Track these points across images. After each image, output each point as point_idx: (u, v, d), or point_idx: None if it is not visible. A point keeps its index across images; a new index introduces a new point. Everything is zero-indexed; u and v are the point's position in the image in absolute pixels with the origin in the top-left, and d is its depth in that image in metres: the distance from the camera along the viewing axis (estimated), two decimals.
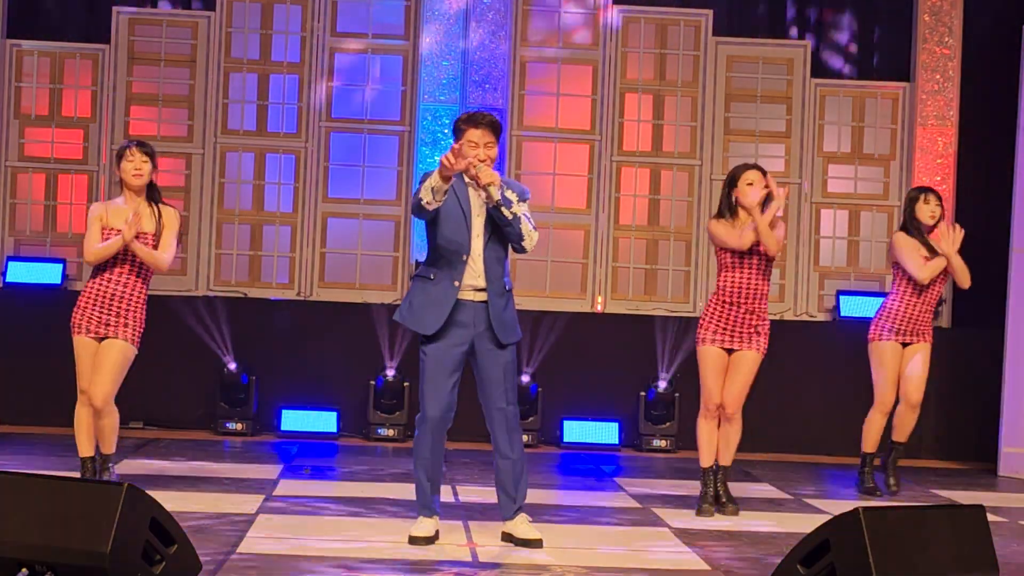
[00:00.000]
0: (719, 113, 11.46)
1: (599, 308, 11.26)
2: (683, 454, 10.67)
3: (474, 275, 6.26)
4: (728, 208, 7.57)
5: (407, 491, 7.98)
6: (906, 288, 8.58)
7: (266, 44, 11.32)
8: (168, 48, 11.26)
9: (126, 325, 7.22)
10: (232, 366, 10.55)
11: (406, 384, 10.63)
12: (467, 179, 6.30)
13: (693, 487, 8.85)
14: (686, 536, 6.84)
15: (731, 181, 7.58)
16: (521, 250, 6.30)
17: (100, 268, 7.24)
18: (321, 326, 10.92)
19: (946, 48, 11.32)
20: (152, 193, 7.30)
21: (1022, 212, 10.17)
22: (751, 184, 7.49)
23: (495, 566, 5.89)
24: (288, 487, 8.08)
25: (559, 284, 11.29)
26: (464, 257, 6.25)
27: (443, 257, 6.28)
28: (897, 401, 8.72)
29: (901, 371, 8.64)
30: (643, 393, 10.77)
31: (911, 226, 8.63)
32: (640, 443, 10.76)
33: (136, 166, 7.21)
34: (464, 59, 11.17)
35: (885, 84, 11.52)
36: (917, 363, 8.60)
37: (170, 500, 7.04)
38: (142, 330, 7.31)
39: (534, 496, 7.00)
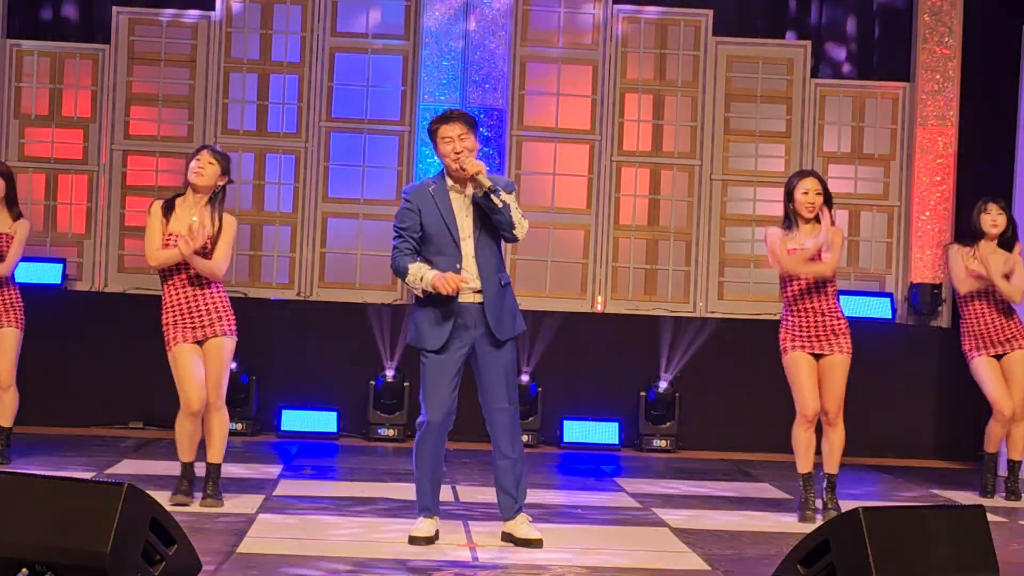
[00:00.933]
0: (719, 113, 11.46)
1: (599, 308, 11.26)
2: (683, 454, 10.67)
3: (470, 278, 6.26)
4: (788, 219, 7.51)
5: (407, 491, 7.98)
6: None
7: (266, 44, 11.32)
8: (168, 48, 11.26)
9: (220, 319, 7.18)
10: (233, 366, 10.53)
11: (406, 384, 10.64)
12: (450, 181, 6.30)
13: (694, 487, 8.85)
14: (686, 536, 6.84)
15: (788, 193, 7.51)
16: (513, 239, 6.30)
17: (170, 276, 7.17)
18: (321, 326, 10.92)
19: (946, 48, 11.32)
20: (214, 198, 7.25)
21: (1022, 212, 10.17)
22: (806, 193, 7.44)
23: (495, 566, 5.89)
24: (288, 487, 8.08)
25: (559, 284, 11.28)
26: (457, 267, 6.26)
27: (439, 270, 6.27)
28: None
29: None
30: (643, 393, 10.77)
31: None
32: (640, 443, 10.76)
33: (201, 164, 7.17)
34: (464, 59, 11.17)
35: (885, 84, 11.52)
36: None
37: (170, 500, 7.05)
38: (234, 318, 7.26)
39: (534, 496, 7.00)
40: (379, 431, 10.64)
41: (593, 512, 7.66)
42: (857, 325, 10.99)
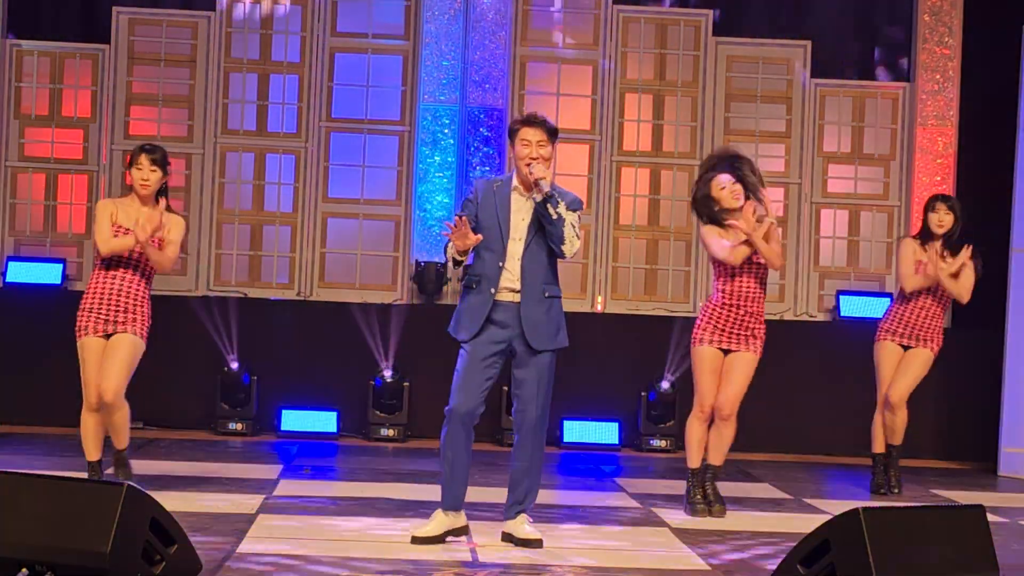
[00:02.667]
0: (719, 113, 11.46)
1: (599, 308, 11.26)
2: (683, 454, 10.65)
3: (511, 279, 6.30)
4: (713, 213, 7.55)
5: (407, 491, 7.99)
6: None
7: (266, 44, 11.32)
8: (168, 48, 11.27)
9: (134, 320, 7.21)
10: (234, 366, 10.56)
11: (406, 384, 10.64)
12: (515, 181, 6.32)
13: None
14: (686, 536, 6.84)
15: (705, 185, 7.52)
16: (560, 254, 6.36)
17: (102, 268, 7.22)
18: (321, 326, 10.92)
19: (946, 48, 11.32)
20: (161, 199, 7.29)
21: (1022, 212, 10.17)
22: (723, 188, 7.45)
23: (495, 566, 5.89)
24: (288, 487, 8.08)
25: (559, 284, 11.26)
26: (500, 264, 6.30)
27: (482, 264, 6.34)
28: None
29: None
30: (644, 393, 10.77)
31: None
32: (640, 443, 10.76)
33: (144, 176, 7.19)
34: (464, 59, 11.17)
35: (885, 84, 11.52)
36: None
37: (170, 500, 7.04)
38: (149, 324, 7.30)
39: None
40: (379, 431, 10.64)
41: (593, 512, 7.66)
42: (857, 325, 11.04)
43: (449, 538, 6.42)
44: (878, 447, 8.83)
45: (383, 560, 5.93)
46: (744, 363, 7.52)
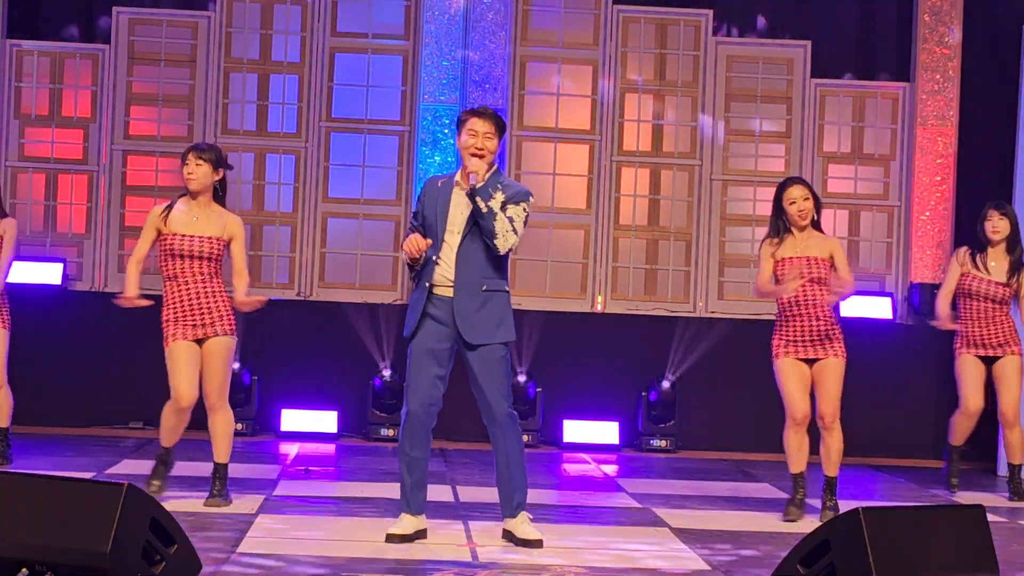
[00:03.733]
0: (719, 113, 11.46)
1: (599, 308, 11.26)
2: (683, 454, 10.68)
3: (447, 270, 6.29)
4: (776, 229, 7.51)
5: None
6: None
7: (266, 44, 11.32)
8: (168, 48, 11.26)
9: (221, 319, 7.20)
10: (234, 366, 10.54)
11: (405, 384, 10.62)
12: (459, 176, 6.33)
13: (694, 487, 8.86)
14: (686, 536, 6.84)
15: (777, 200, 7.50)
16: (495, 248, 6.27)
17: (172, 275, 7.19)
18: (321, 326, 10.92)
19: (946, 48, 11.32)
20: (216, 196, 7.29)
21: (1022, 212, 10.17)
22: (793, 203, 7.44)
23: (495, 566, 5.89)
24: (288, 487, 8.08)
25: (559, 284, 11.28)
26: (435, 257, 6.28)
27: (425, 259, 6.32)
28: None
29: None
30: (644, 393, 10.77)
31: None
32: (640, 443, 10.76)
33: (190, 169, 7.21)
34: (464, 59, 11.17)
35: (885, 84, 11.52)
36: None
37: (170, 500, 7.05)
38: (234, 319, 7.28)
39: (534, 496, 6.99)
40: (379, 431, 10.64)
41: (593, 512, 7.66)
42: (857, 325, 11.04)
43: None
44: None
45: (383, 560, 5.93)
46: (832, 369, 7.47)
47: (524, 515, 6.42)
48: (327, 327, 10.91)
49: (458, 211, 6.30)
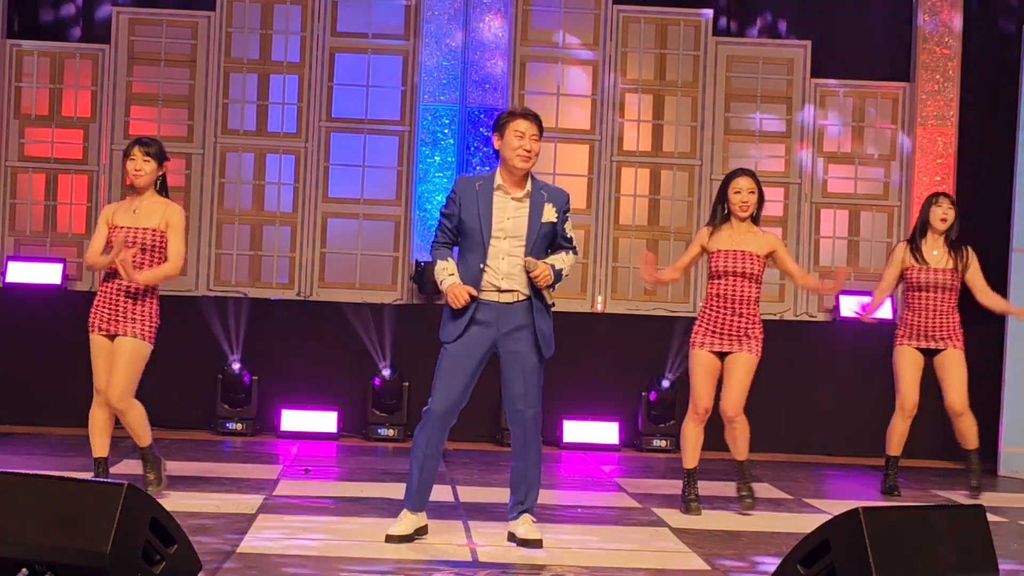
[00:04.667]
0: (719, 113, 11.46)
1: (599, 308, 11.26)
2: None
3: (496, 277, 6.26)
4: (717, 216, 7.65)
5: None
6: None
7: (266, 44, 11.33)
8: (168, 48, 11.27)
9: (134, 321, 7.20)
10: (234, 366, 10.56)
11: (405, 384, 10.64)
12: (498, 179, 6.28)
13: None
14: (686, 536, 6.84)
15: (723, 188, 7.63)
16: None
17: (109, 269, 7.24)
18: (321, 326, 10.92)
19: (946, 48, 11.32)
20: (161, 190, 7.33)
21: (1022, 212, 10.17)
22: (738, 192, 7.51)
23: (495, 566, 5.89)
24: (288, 487, 8.08)
25: (559, 284, 11.26)
26: (481, 265, 6.25)
27: (464, 265, 6.33)
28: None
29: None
30: (644, 393, 10.77)
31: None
32: (640, 443, 10.76)
33: (137, 166, 7.25)
34: (464, 59, 11.17)
35: (885, 84, 11.52)
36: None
37: (170, 500, 7.05)
38: (156, 325, 7.28)
39: None
40: (379, 431, 10.64)
41: (593, 512, 7.66)
42: (857, 325, 11.03)
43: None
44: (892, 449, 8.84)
45: (383, 560, 5.93)
46: (741, 364, 7.52)
47: (528, 516, 6.43)
48: (327, 327, 10.90)
49: (503, 215, 6.25)
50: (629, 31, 11.43)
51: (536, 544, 6.31)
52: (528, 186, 6.30)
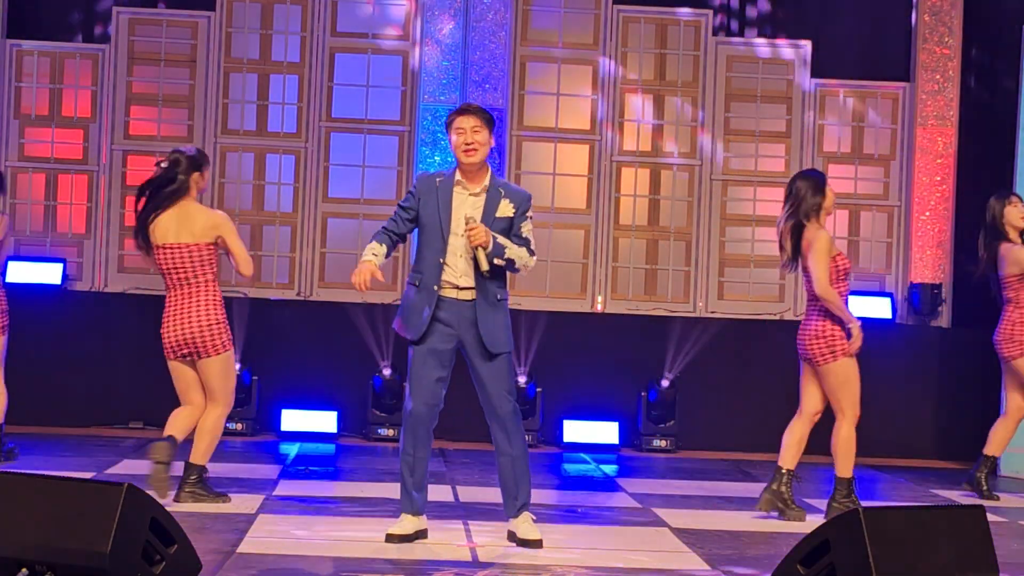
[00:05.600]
0: (719, 113, 11.46)
1: (599, 308, 11.26)
2: (683, 454, 10.67)
3: (454, 275, 6.26)
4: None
5: None
6: None
7: (266, 44, 11.32)
8: (168, 48, 11.27)
9: (211, 341, 7.20)
10: (236, 366, 10.54)
11: (405, 384, 10.60)
12: (458, 175, 6.29)
13: (694, 487, 8.86)
14: (686, 536, 6.84)
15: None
16: (517, 272, 6.36)
17: (168, 288, 7.24)
18: (321, 326, 10.92)
19: (946, 48, 11.32)
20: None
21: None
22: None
23: (495, 566, 5.89)
24: (288, 487, 8.08)
25: (559, 284, 11.28)
26: (441, 260, 6.25)
27: (423, 261, 6.33)
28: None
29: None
30: (644, 393, 10.77)
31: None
32: (640, 443, 10.76)
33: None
34: (464, 59, 11.17)
35: (885, 84, 11.52)
36: None
37: (170, 500, 7.05)
38: (226, 332, 7.30)
39: (534, 496, 6.98)
40: (379, 431, 10.64)
41: (593, 512, 7.66)
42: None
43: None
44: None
45: (383, 560, 5.93)
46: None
47: (527, 515, 6.41)
48: (327, 327, 10.90)
49: (461, 212, 6.28)
50: (629, 31, 11.43)
51: (536, 544, 6.30)
52: (486, 181, 6.32)
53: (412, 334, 6.30)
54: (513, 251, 6.24)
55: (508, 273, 6.36)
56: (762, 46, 11.52)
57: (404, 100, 11.31)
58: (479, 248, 6.16)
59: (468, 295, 6.27)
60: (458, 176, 6.34)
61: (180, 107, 11.27)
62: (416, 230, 6.39)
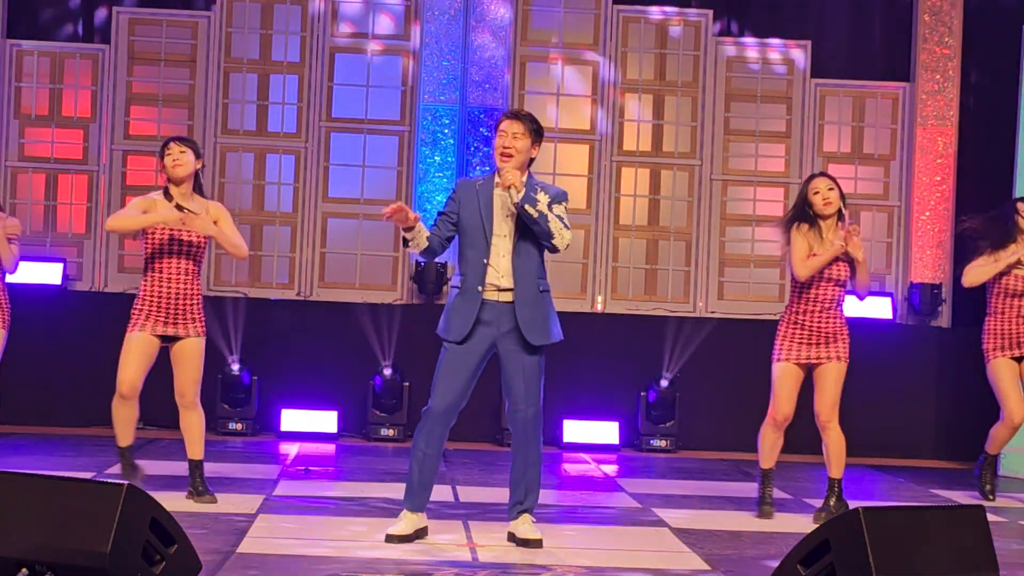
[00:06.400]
0: (719, 113, 11.46)
1: (599, 308, 11.26)
2: (683, 454, 10.68)
3: (497, 275, 6.29)
4: (806, 218, 7.46)
5: None
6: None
7: (266, 44, 11.33)
8: (168, 48, 11.27)
9: (193, 320, 7.22)
10: (234, 367, 10.56)
11: (406, 384, 10.64)
12: (496, 181, 6.33)
13: (694, 487, 8.86)
14: (686, 536, 6.84)
15: (803, 192, 7.50)
16: (553, 249, 6.34)
17: (154, 268, 7.20)
18: (321, 326, 10.92)
19: (946, 48, 11.32)
20: (198, 187, 7.32)
21: None
22: (818, 193, 7.46)
23: (495, 566, 5.89)
24: (288, 487, 8.08)
25: (559, 284, 11.26)
26: (484, 261, 6.28)
27: (466, 263, 6.35)
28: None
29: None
30: (644, 393, 10.77)
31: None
32: (640, 443, 10.76)
33: (175, 156, 7.21)
34: (464, 59, 11.17)
35: (885, 84, 11.52)
36: None
37: (170, 500, 7.05)
38: (204, 318, 7.32)
39: None
40: (379, 431, 10.64)
41: (593, 512, 7.66)
42: (857, 325, 11.02)
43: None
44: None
45: (383, 560, 5.93)
46: (832, 373, 7.53)
47: (527, 516, 6.43)
48: (327, 327, 10.91)
49: (503, 214, 6.30)
50: (629, 31, 11.43)
51: (536, 544, 6.31)
52: (524, 182, 6.34)
53: (455, 335, 6.31)
54: (547, 212, 6.25)
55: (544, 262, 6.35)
56: (762, 46, 11.51)
57: (404, 100, 11.31)
58: (511, 188, 6.18)
59: (508, 296, 6.30)
60: (498, 179, 6.35)
61: (180, 107, 11.27)
62: (457, 236, 6.41)
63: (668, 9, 11.45)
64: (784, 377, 7.46)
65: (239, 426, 10.57)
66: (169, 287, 7.19)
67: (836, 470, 7.57)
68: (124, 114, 11.19)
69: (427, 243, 6.32)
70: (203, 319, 7.31)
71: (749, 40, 11.55)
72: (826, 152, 11.51)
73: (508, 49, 11.24)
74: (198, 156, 7.27)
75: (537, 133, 6.38)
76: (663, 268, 11.36)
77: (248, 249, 7.45)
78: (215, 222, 7.21)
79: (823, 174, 7.64)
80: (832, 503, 7.49)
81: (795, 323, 7.45)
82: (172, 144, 7.24)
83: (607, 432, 10.74)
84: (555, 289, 11.13)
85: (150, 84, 11.26)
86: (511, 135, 6.32)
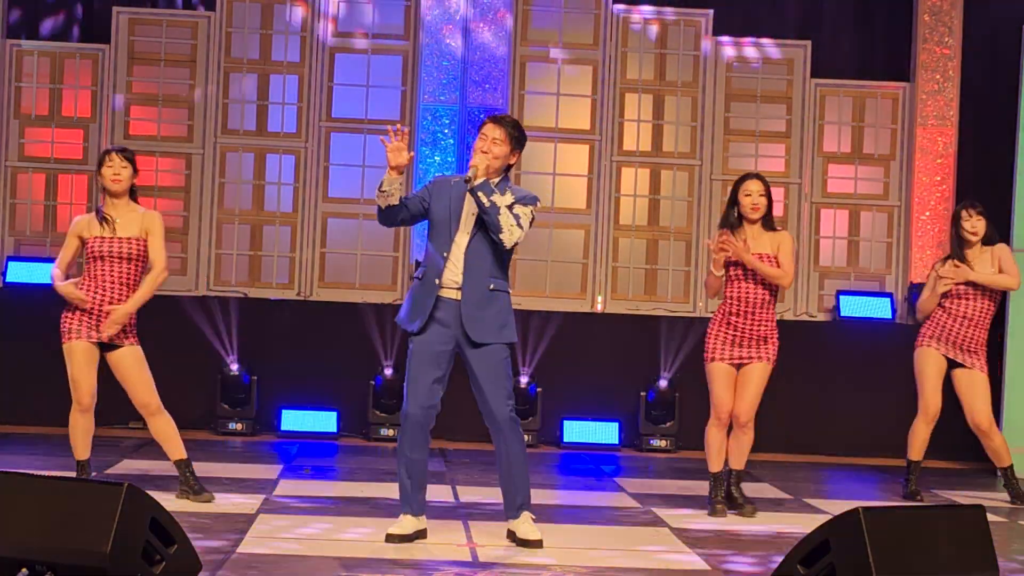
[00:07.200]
0: (719, 113, 11.46)
1: (599, 308, 11.26)
2: (683, 454, 10.67)
3: (455, 271, 6.30)
4: (730, 219, 7.61)
5: None
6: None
7: (266, 44, 11.32)
8: (168, 48, 11.27)
9: (131, 328, 7.25)
10: (234, 367, 10.56)
11: (404, 386, 10.62)
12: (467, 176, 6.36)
13: (693, 487, 8.86)
14: (686, 536, 6.84)
15: (733, 192, 7.64)
16: (500, 243, 6.29)
17: (89, 275, 7.28)
18: (321, 326, 10.92)
19: (946, 48, 11.32)
20: (133, 195, 7.38)
21: (1022, 212, 10.17)
22: (749, 195, 7.53)
23: (495, 566, 5.89)
24: (288, 487, 8.08)
25: (559, 284, 11.28)
26: (444, 254, 6.31)
27: (429, 256, 6.40)
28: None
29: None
30: (644, 393, 10.77)
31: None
32: (640, 443, 10.76)
33: (116, 171, 7.26)
34: (464, 59, 11.17)
35: (885, 84, 11.52)
36: None
37: (170, 500, 7.05)
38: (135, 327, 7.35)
39: (534, 496, 6.99)
40: (379, 431, 10.64)
41: (593, 512, 7.66)
42: (857, 325, 11.05)
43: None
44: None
45: (383, 560, 5.93)
46: (757, 373, 7.57)
47: (527, 515, 6.43)
48: (327, 327, 10.90)
49: (469, 212, 6.34)
50: (629, 31, 11.43)
51: (536, 544, 6.31)
52: (496, 185, 6.36)
53: (410, 326, 6.33)
54: (499, 202, 6.26)
55: (506, 263, 6.36)
56: (762, 46, 11.51)
57: (404, 100, 11.31)
58: (473, 169, 6.26)
59: (459, 294, 6.30)
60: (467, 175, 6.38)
61: (180, 107, 11.27)
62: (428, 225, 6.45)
63: (668, 9, 11.45)
64: (718, 377, 7.62)
65: (239, 426, 10.57)
66: (103, 296, 7.21)
67: (739, 462, 7.74)
68: (124, 114, 11.19)
69: (398, 201, 6.33)
70: (135, 327, 7.29)
71: (749, 40, 11.54)
72: (826, 152, 11.51)
73: (508, 49, 11.24)
74: (135, 169, 7.33)
75: (518, 141, 6.44)
76: (663, 268, 11.36)
77: (167, 268, 7.38)
78: (146, 233, 7.23)
79: (757, 176, 7.67)
80: (732, 494, 7.65)
81: (725, 323, 7.50)
82: (113, 155, 7.31)
83: (607, 432, 10.74)
84: (555, 289, 11.25)
85: (150, 84, 11.26)
86: (491, 140, 6.39)
